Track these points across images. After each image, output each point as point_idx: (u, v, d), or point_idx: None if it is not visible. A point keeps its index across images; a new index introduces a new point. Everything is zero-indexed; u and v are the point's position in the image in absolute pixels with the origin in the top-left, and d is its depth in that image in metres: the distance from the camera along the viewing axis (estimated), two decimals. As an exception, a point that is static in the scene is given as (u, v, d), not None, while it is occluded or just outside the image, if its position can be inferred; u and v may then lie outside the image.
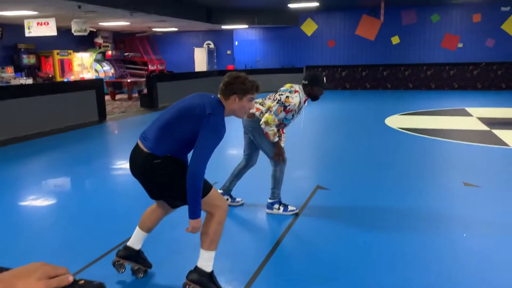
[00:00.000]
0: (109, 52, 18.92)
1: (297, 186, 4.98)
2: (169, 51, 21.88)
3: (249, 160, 4.31)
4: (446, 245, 3.40)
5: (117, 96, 16.07)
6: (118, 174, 5.92)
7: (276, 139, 3.92)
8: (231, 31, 19.72)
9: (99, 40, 18.66)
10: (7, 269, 0.78)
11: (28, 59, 15.84)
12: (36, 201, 4.75)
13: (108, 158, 7.04)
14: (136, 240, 2.96)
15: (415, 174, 5.50)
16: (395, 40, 17.20)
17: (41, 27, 11.83)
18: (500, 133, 7.87)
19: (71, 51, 16.81)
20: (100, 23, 15.79)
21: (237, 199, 4.42)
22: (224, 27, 18.09)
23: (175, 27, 18.62)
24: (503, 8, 15.68)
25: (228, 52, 20.98)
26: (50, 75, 16.02)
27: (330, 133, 8.88)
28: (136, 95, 15.76)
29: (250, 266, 3.11)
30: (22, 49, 15.73)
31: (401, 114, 10.59)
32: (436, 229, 3.74)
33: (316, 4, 15.17)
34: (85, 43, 18.68)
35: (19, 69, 15.61)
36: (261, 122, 3.87)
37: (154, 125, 2.75)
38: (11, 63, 15.49)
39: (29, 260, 0.85)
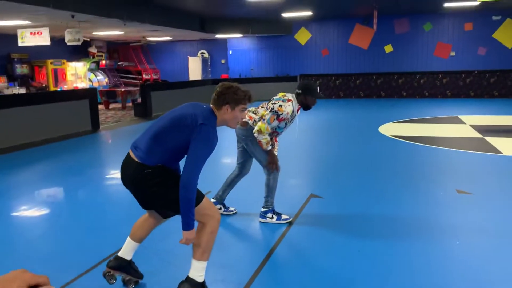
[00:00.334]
0: (103, 62, 18.90)
1: (290, 195, 4.96)
2: (163, 60, 21.91)
3: (242, 168, 4.29)
4: (439, 253, 3.39)
5: (111, 106, 16.03)
6: (111, 184, 5.88)
7: (269, 147, 3.91)
8: (225, 40, 19.79)
9: (93, 49, 18.66)
10: None
11: (21, 69, 15.79)
12: (28, 211, 4.69)
13: (101, 168, 6.99)
14: (127, 250, 2.92)
15: (408, 182, 5.50)
16: (388, 48, 17.33)
17: (34, 37, 11.81)
18: (493, 140, 7.91)
19: (65, 60, 16.78)
20: (94, 33, 15.80)
21: (230, 208, 4.39)
22: (218, 36, 18.16)
23: (169, 36, 18.66)
24: (494, 17, 15.87)
25: (222, 61, 21.03)
26: (44, 85, 15.97)
27: (324, 141, 8.89)
28: (130, 104, 15.73)
29: (243, 276, 3.08)
30: (15, 59, 15.68)
31: (395, 122, 10.62)
32: (430, 236, 3.73)
33: (309, 13, 15.29)
34: (79, 52, 18.67)
35: (12, 78, 15.54)
36: (254, 131, 3.87)
37: (146, 134, 2.74)
38: (4, 72, 15.43)
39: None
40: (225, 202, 4.40)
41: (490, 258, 3.31)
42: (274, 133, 4.05)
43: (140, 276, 2.96)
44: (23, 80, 15.83)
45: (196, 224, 2.67)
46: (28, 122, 8.76)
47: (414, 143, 7.87)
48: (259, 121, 3.91)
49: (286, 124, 4.00)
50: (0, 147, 7.96)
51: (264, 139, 3.83)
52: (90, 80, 17.72)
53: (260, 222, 4.12)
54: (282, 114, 3.85)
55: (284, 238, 3.76)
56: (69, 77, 16.77)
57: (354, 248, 3.52)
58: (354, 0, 13.17)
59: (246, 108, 2.82)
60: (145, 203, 2.81)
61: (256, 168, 4.41)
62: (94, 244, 3.68)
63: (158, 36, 18.32)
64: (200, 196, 2.64)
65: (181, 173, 2.58)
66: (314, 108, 4.12)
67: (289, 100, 3.93)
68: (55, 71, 16.23)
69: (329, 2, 13.00)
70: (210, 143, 2.60)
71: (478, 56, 16.41)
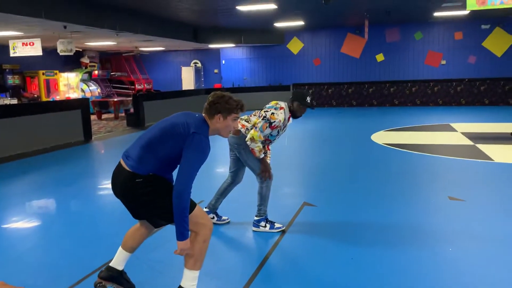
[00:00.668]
0: (96, 72, 18.88)
1: (283, 203, 4.95)
2: (156, 70, 21.93)
3: (235, 177, 4.29)
4: (432, 259, 3.39)
5: (104, 116, 15.98)
6: (103, 195, 5.84)
7: (262, 155, 3.91)
8: (218, 50, 19.87)
9: (85, 60, 18.65)
10: None
11: (13, 80, 15.73)
12: (19, 222, 4.64)
13: (92, 178, 6.95)
14: (118, 261, 2.89)
15: (401, 189, 5.52)
16: (380, 57, 17.48)
17: (26, 47, 11.80)
18: (484, 147, 7.97)
19: (57, 71, 16.75)
20: (86, 43, 15.81)
21: (223, 218, 4.37)
22: (211, 46, 18.22)
23: (162, 47, 18.70)
24: (483, 26, 16.09)
25: (215, 71, 21.09)
26: (35, 95, 15.91)
27: (316, 149, 8.90)
28: (123, 114, 15.69)
29: (236, 285, 3.06)
30: (7, 70, 15.62)
31: (387, 130, 10.68)
32: (422, 243, 3.73)
33: (301, 23, 15.41)
34: (72, 63, 18.65)
35: (4, 89, 15.47)
36: (247, 139, 3.87)
37: (137, 143, 2.73)
38: (-4, 83, 15.38)
39: (9, 282, 0.81)
40: (218, 211, 4.38)
41: (482, 264, 3.32)
42: (266, 141, 4.05)
43: (132, 287, 2.93)
44: (15, 91, 15.77)
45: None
46: (19, 132, 8.70)
47: (406, 151, 7.91)
48: (251, 129, 3.92)
49: (278, 132, 4.00)
50: (-9, 158, 7.89)
51: (257, 147, 3.84)
52: (82, 90, 17.68)
53: (253, 230, 4.11)
54: (274, 121, 3.86)
55: (277, 246, 3.74)
56: (62, 87, 16.74)
57: (347, 256, 3.51)
58: (345, 10, 13.29)
59: (238, 117, 2.82)
60: (136, 212, 2.79)
61: (248, 177, 4.40)
62: (85, 255, 3.64)
63: (151, 46, 18.36)
64: (192, 205, 2.63)
65: (174, 183, 2.57)
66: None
67: (281, 108, 3.95)
68: (47, 82, 16.18)
69: (320, 12, 13.11)
70: (202, 151, 2.59)
71: (468, 65, 16.60)
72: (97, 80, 18.97)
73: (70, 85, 17.12)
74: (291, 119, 4.11)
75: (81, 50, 18.04)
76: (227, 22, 15.08)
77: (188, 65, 21.36)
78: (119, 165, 2.72)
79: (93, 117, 14.08)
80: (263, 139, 3.89)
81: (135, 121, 12.83)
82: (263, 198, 4.09)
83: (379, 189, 5.52)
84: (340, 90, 18.11)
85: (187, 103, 14.02)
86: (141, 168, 2.62)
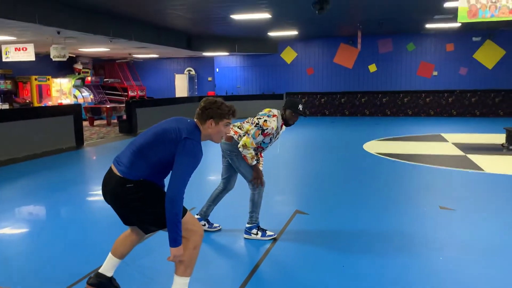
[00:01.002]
0: (89, 78, 18.82)
1: (275, 211, 4.95)
2: (149, 77, 21.92)
3: (227, 184, 4.28)
4: (423, 268, 3.40)
5: (96, 122, 15.90)
6: (93, 201, 5.79)
7: (254, 162, 3.91)
8: (212, 58, 19.92)
9: (78, 66, 18.60)
10: None
11: (4, 85, 15.62)
12: (8, 228, 4.58)
13: (83, 185, 6.89)
14: (108, 267, 2.86)
15: (392, 198, 5.54)
16: (372, 68, 17.62)
17: (19, 53, 11.75)
18: (474, 158, 8.03)
19: (50, 76, 16.67)
20: (79, 49, 15.78)
21: (215, 225, 4.35)
22: (205, 54, 18.27)
23: (156, 54, 18.71)
24: (474, 38, 16.32)
25: (209, 78, 21.13)
26: (27, 101, 15.81)
27: (309, 158, 8.92)
28: (115, 121, 15.63)
29: (226, 292, 3.04)
30: (-1, 74, 15.54)
31: (379, 140, 10.74)
32: (413, 252, 3.74)
33: (295, 33, 15.52)
34: (64, 68, 18.59)
35: (-5, 94, 15.37)
36: (239, 145, 3.87)
37: (128, 149, 2.71)
38: (-13, 88, 15.26)
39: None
40: (210, 218, 4.37)
41: (473, 273, 3.33)
42: (259, 148, 4.06)
43: (121, 293, 2.90)
44: (7, 96, 15.65)
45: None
46: (11, 138, 8.62)
47: (398, 160, 7.95)
48: (244, 136, 3.92)
49: (271, 139, 4.01)
50: (-19, 163, 7.80)
51: (249, 153, 3.84)
52: (75, 96, 17.60)
53: (245, 238, 4.09)
54: (267, 129, 3.87)
55: (268, 254, 3.73)
56: (54, 93, 16.65)
57: (339, 263, 3.51)
58: (338, 21, 13.41)
59: (230, 123, 2.82)
60: (127, 218, 2.77)
61: (241, 184, 4.39)
62: (74, 261, 3.60)
63: (145, 53, 18.36)
64: (183, 211, 2.62)
65: (166, 189, 2.56)
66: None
67: (274, 116, 3.96)
68: (40, 87, 16.10)
69: (314, 22, 13.22)
70: (195, 157, 2.59)
71: (459, 76, 16.79)
72: (90, 86, 18.90)
73: (62, 91, 17.04)
74: (283, 127, 4.12)
75: (74, 56, 18.00)
76: (221, 30, 15.14)
77: (181, 72, 21.38)
78: (110, 170, 2.71)
79: (85, 123, 14.01)
80: (255, 146, 3.89)
81: (128, 127, 12.78)
82: (255, 205, 4.09)
83: (371, 198, 5.53)
84: (333, 99, 18.21)
85: (180, 111, 13.98)
86: (132, 174, 2.60)
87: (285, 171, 7.46)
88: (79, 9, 10.48)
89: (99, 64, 20.81)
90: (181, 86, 21.02)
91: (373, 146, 9.67)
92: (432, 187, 6.18)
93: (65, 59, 12.06)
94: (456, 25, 13.74)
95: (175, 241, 2.51)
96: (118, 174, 2.62)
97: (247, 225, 4.10)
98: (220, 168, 4.30)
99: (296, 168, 7.91)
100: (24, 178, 7.23)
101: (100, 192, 2.77)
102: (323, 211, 5.00)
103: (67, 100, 16.87)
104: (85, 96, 18.06)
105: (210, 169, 7.15)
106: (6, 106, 14.37)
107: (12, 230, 4.55)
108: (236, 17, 11.91)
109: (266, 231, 4.08)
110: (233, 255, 3.92)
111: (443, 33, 16.38)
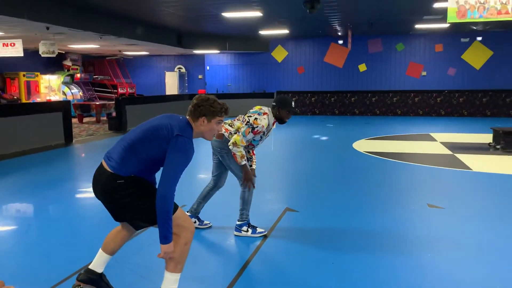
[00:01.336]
0: (78, 75, 18.65)
1: (266, 208, 4.97)
2: (139, 74, 21.79)
3: (218, 181, 4.28)
4: (412, 265, 3.44)
5: (85, 119, 15.78)
6: (82, 198, 5.76)
7: (244, 162, 3.90)
8: (203, 55, 19.87)
9: (67, 62, 18.42)
10: None
11: (-8, 81, 15.43)
12: (-6, 225, 4.54)
13: (72, 182, 6.85)
14: (98, 263, 2.85)
15: (381, 196, 5.59)
16: (362, 67, 17.74)
17: (7, 48, 11.61)
18: (462, 157, 8.14)
19: (38, 73, 16.49)
20: (69, 45, 15.63)
21: (205, 222, 4.36)
22: (196, 51, 18.22)
23: (146, 51, 18.61)
24: (462, 39, 16.51)
25: (200, 76, 21.07)
26: (15, 97, 15.62)
27: (299, 156, 8.96)
28: (105, 118, 15.52)
29: (216, 289, 3.05)
30: (-14, 70, 15.34)
31: (368, 139, 10.81)
32: (402, 249, 3.79)
33: (286, 31, 15.54)
34: (54, 65, 18.40)
35: (-17, 90, 15.17)
36: (229, 143, 3.88)
37: (119, 145, 2.71)
38: (-26, 84, 15.05)
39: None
40: (200, 215, 4.37)
41: (461, 270, 3.38)
42: (249, 146, 4.07)
43: (112, 290, 2.89)
44: (-6, 92, 15.47)
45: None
46: (-2, 134, 8.54)
47: (387, 159, 8.02)
48: (235, 133, 3.93)
49: (261, 137, 4.02)
50: (-32, 159, 7.70)
51: (238, 152, 3.84)
52: (64, 93, 17.43)
53: (235, 235, 4.10)
54: (257, 127, 3.88)
55: (258, 251, 3.75)
56: (43, 89, 16.47)
57: (328, 260, 3.54)
58: (329, 20, 13.46)
59: (222, 121, 2.83)
60: (117, 214, 2.76)
61: (231, 182, 4.40)
62: (63, 258, 3.58)
63: (135, 51, 18.25)
64: (174, 207, 2.62)
65: (157, 185, 2.55)
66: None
67: (265, 113, 3.97)
68: (28, 84, 15.91)
69: (305, 21, 13.25)
70: (186, 154, 2.59)
71: (447, 76, 16.98)
72: (79, 83, 18.73)
73: (51, 87, 16.87)
74: (275, 124, 4.14)
75: (63, 52, 17.82)
76: (212, 28, 15.11)
77: (172, 70, 21.28)
78: (101, 166, 2.70)
79: (74, 120, 13.90)
80: (245, 144, 3.91)
81: (117, 125, 12.70)
82: (245, 203, 4.10)
83: (360, 196, 5.58)
84: (323, 98, 18.28)
85: (170, 108, 13.95)
86: (122, 170, 2.60)
87: (276, 169, 7.49)
88: (69, 5, 10.38)
89: (88, 61, 20.63)
90: (171, 84, 20.92)
91: (363, 145, 9.74)
92: (421, 186, 6.25)
93: (54, 55, 11.96)
94: (445, 25, 13.88)
95: (165, 238, 2.51)
96: (108, 170, 2.61)
97: (238, 222, 4.12)
98: (210, 166, 4.30)
99: (286, 166, 7.94)
100: (12, 175, 7.15)
101: (90, 189, 2.77)
102: (313, 209, 5.03)
103: (56, 97, 16.70)
104: (74, 93, 17.89)
105: (201, 166, 7.15)
106: (-7, 102, 14.19)
107: (0, 227, 4.50)
108: (228, 15, 11.89)
109: (257, 228, 4.10)
110: (224, 252, 3.93)
111: (432, 33, 16.54)
